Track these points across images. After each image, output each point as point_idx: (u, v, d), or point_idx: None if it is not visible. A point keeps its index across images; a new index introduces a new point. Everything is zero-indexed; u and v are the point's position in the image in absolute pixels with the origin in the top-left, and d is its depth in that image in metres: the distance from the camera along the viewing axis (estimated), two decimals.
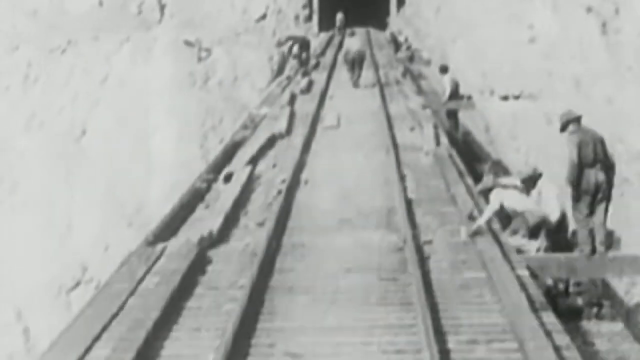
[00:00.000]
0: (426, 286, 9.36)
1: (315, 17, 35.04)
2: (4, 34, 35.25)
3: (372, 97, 22.87)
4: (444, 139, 17.40)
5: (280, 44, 32.28)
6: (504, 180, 12.04)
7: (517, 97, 29.07)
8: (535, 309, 8.60)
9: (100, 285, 10.55)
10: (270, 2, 36.68)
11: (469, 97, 23.76)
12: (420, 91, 23.87)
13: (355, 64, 24.79)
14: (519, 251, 10.98)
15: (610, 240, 11.83)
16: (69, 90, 33.16)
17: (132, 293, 9.79)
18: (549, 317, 8.47)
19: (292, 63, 29.61)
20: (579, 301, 10.96)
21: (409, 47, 31.09)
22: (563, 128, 10.73)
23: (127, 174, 29.10)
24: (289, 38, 31.06)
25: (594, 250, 10.58)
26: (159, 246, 11.01)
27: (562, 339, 7.96)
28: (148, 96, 32.10)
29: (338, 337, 8.48)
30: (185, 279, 9.85)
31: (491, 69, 29.58)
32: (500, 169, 13.75)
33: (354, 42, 25.32)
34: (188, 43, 33.81)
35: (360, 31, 32.51)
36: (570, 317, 10.99)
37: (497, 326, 8.53)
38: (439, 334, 8.26)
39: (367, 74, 25.36)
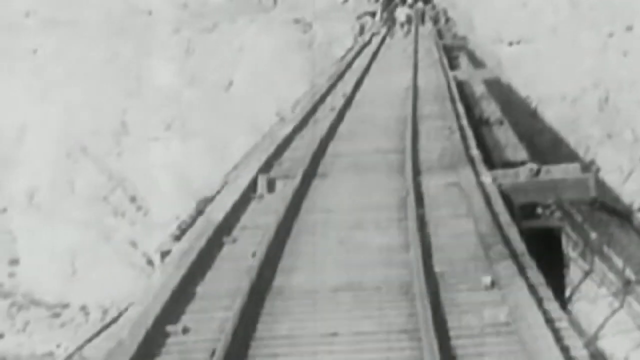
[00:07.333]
0: None
1: None
2: (169, 21, 44.17)
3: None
4: None
5: (359, 17, 44.94)
6: None
7: (518, 43, 42.00)
8: None
9: None
10: None
11: None
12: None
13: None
14: None
15: None
16: (217, 57, 42.24)
17: None
18: None
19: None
20: None
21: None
22: None
23: (263, 109, 37.45)
24: (365, 13, 44.23)
25: None
26: None
27: None
28: (271, 57, 41.50)
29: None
30: None
31: (501, 24, 42.04)
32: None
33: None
34: (296, 20, 43.72)
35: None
36: None
37: None
38: None
39: None
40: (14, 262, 37.50)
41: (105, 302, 35.15)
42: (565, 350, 7.65)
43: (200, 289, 9.72)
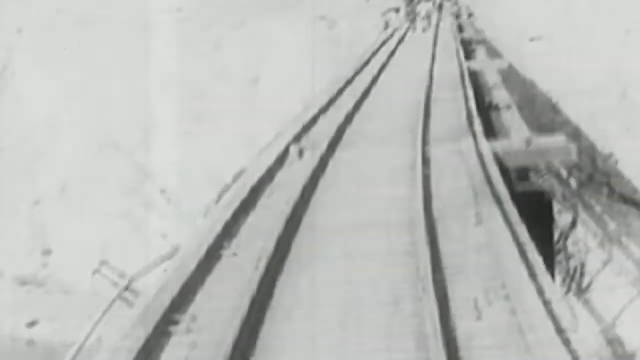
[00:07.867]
0: None
1: None
2: (198, 17, 46.21)
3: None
4: None
5: (383, 14, 47.65)
6: None
7: (539, 38, 44.62)
8: None
9: None
10: None
11: None
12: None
13: None
14: None
15: None
16: (245, 52, 44.65)
17: None
18: None
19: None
20: None
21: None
22: None
23: (289, 103, 37.52)
24: (389, 9, 47.07)
25: None
26: None
27: None
28: (297, 53, 43.17)
29: None
30: None
31: (522, 20, 44.70)
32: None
33: None
34: (322, 17, 46.46)
35: None
36: None
37: None
38: None
39: None
40: (47, 252, 39.40)
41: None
42: (526, 260, 10.48)
43: (244, 226, 12.63)
